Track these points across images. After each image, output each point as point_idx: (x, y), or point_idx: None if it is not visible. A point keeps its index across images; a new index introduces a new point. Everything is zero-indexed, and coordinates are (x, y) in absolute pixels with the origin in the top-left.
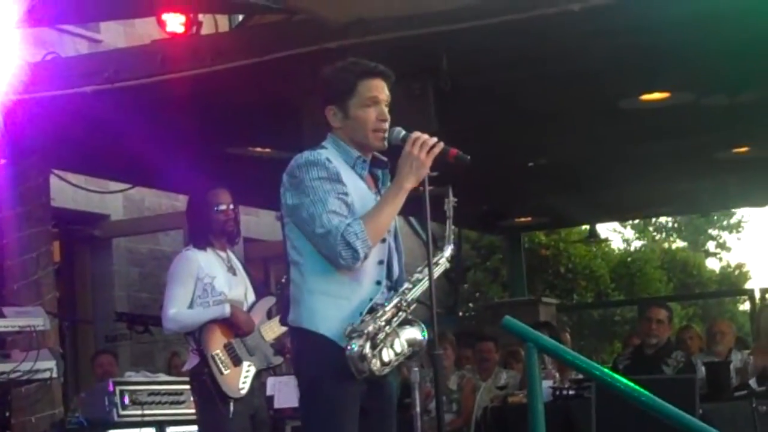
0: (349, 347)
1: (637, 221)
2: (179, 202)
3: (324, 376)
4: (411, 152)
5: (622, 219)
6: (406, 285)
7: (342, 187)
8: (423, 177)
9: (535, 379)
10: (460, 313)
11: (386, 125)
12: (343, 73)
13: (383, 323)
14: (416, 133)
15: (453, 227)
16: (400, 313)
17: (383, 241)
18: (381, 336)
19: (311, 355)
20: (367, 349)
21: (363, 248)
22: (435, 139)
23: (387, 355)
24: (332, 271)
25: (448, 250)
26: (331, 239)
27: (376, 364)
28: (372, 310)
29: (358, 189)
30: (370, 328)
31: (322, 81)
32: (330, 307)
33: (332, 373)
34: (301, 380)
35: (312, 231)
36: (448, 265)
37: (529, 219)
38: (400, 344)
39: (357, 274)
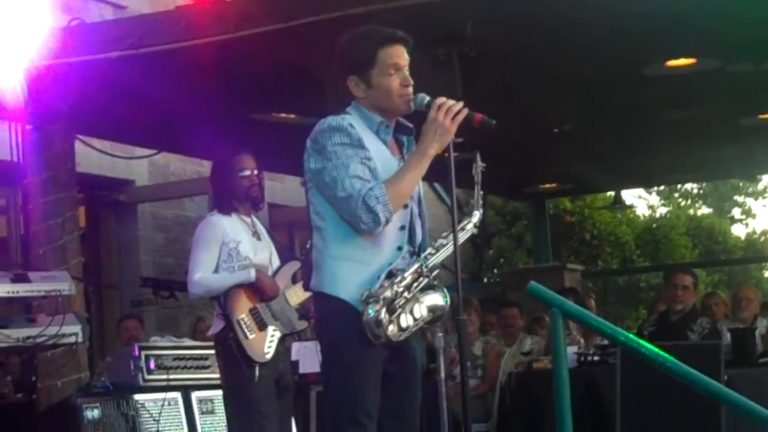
0: (365, 312)
1: (662, 188)
2: (204, 167)
3: (344, 341)
4: (435, 118)
5: (647, 186)
6: (429, 250)
7: (365, 152)
8: (447, 143)
9: (560, 345)
10: (485, 279)
11: (410, 89)
12: (361, 42)
13: (402, 288)
14: (441, 99)
15: (481, 193)
16: (422, 279)
17: (405, 207)
18: (399, 301)
19: (332, 320)
20: (383, 315)
21: (384, 212)
22: (460, 105)
23: (405, 320)
24: (354, 236)
25: (476, 216)
26: (352, 203)
27: (392, 330)
28: (390, 275)
29: (380, 154)
30: (388, 294)
31: (341, 52)
32: (351, 271)
33: (352, 337)
34: (322, 345)
35: (334, 195)
36: (475, 230)
37: (554, 185)
38: (419, 310)
39: (378, 239)
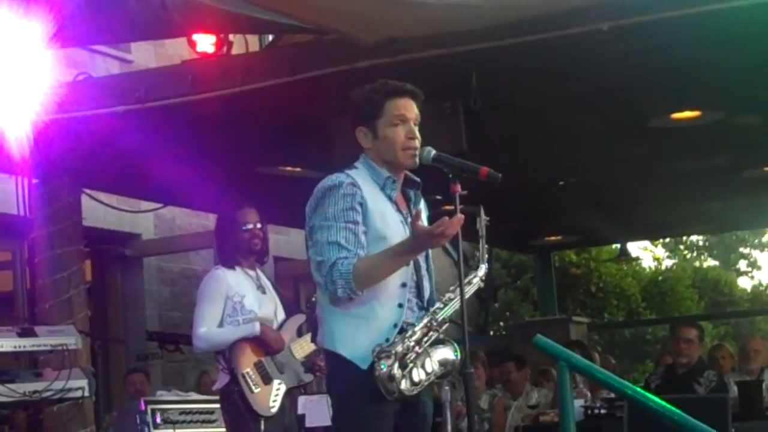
0: (378, 368)
1: (667, 240)
2: (210, 221)
3: (351, 396)
4: (433, 237)
5: (652, 238)
6: (438, 305)
7: (355, 215)
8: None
9: (567, 398)
10: (491, 332)
11: (416, 143)
12: (371, 93)
13: (413, 343)
14: (444, 227)
15: (486, 247)
16: (431, 333)
17: (407, 264)
18: (411, 356)
19: (336, 375)
20: (396, 370)
21: (343, 288)
22: (458, 226)
23: (417, 375)
24: None
25: (482, 270)
26: (322, 268)
27: (405, 384)
28: (401, 331)
29: (382, 211)
30: (399, 349)
31: (352, 103)
32: (349, 327)
33: (358, 392)
34: (332, 400)
35: (314, 256)
36: (481, 284)
37: (560, 238)
38: (431, 364)
39: (377, 296)
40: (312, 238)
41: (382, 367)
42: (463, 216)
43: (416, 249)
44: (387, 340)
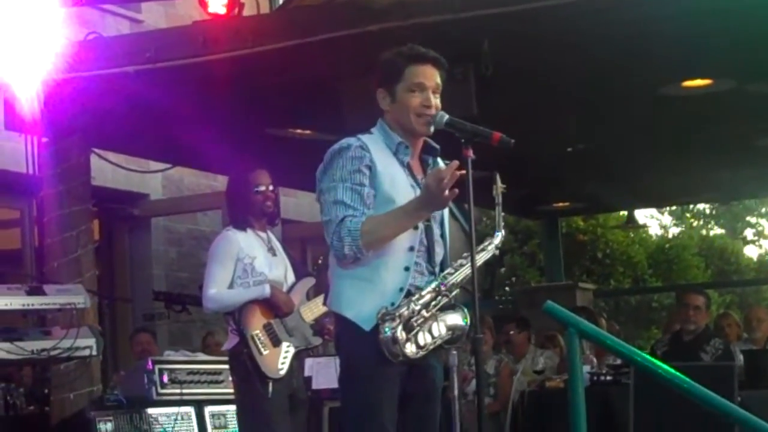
0: (381, 330)
1: (674, 207)
2: (218, 182)
3: (356, 357)
4: (435, 191)
5: (660, 205)
6: (448, 270)
7: (362, 178)
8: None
9: (576, 365)
10: (497, 297)
11: (431, 111)
12: (394, 57)
13: (419, 307)
14: (443, 173)
15: (502, 214)
16: (440, 298)
17: (416, 228)
18: (417, 319)
19: (343, 337)
20: (400, 333)
21: (350, 246)
22: (456, 176)
23: (423, 338)
24: None
25: (498, 237)
26: (329, 227)
27: (410, 348)
28: (408, 294)
29: (392, 175)
30: (404, 312)
31: (377, 65)
32: (354, 290)
33: (363, 354)
34: (340, 360)
35: (322, 217)
36: (496, 252)
37: (567, 204)
38: (438, 328)
39: (384, 259)
40: (320, 201)
41: (386, 330)
42: (457, 162)
43: (424, 205)
44: (392, 303)
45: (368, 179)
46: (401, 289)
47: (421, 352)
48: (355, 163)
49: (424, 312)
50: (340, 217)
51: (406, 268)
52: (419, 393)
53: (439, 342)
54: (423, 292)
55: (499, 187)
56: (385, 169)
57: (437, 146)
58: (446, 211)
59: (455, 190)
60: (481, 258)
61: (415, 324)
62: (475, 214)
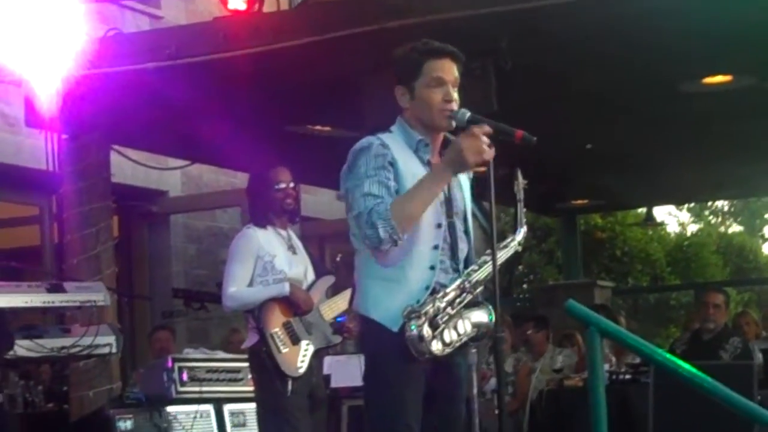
0: (408, 328)
1: (693, 205)
2: (237, 179)
3: (382, 357)
4: (461, 146)
5: (679, 202)
6: (472, 267)
7: (387, 174)
8: (462, 172)
9: (597, 364)
10: (514, 295)
11: (453, 105)
12: (411, 53)
13: (444, 304)
14: (474, 131)
15: (524, 210)
16: (465, 295)
17: (439, 226)
18: (442, 317)
19: (369, 339)
20: (426, 330)
21: (385, 229)
22: (487, 143)
23: (449, 335)
24: (385, 256)
25: (520, 234)
26: (360, 220)
27: (436, 345)
28: (433, 292)
29: (414, 173)
30: (430, 309)
31: (393, 61)
32: (382, 291)
33: (388, 354)
34: (365, 361)
35: (351, 215)
36: (519, 248)
37: (586, 201)
38: (463, 325)
39: (410, 259)
40: (347, 200)
41: (412, 327)
42: (488, 127)
43: (449, 164)
44: (418, 301)
45: (393, 175)
46: (427, 288)
47: (447, 350)
48: (379, 160)
49: (449, 309)
50: (369, 207)
51: (432, 267)
52: (444, 392)
53: (464, 339)
54: (448, 290)
55: (521, 183)
56: (407, 167)
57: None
58: (469, 207)
59: (486, 150)
60: (504, 255)
61: (441, 321)
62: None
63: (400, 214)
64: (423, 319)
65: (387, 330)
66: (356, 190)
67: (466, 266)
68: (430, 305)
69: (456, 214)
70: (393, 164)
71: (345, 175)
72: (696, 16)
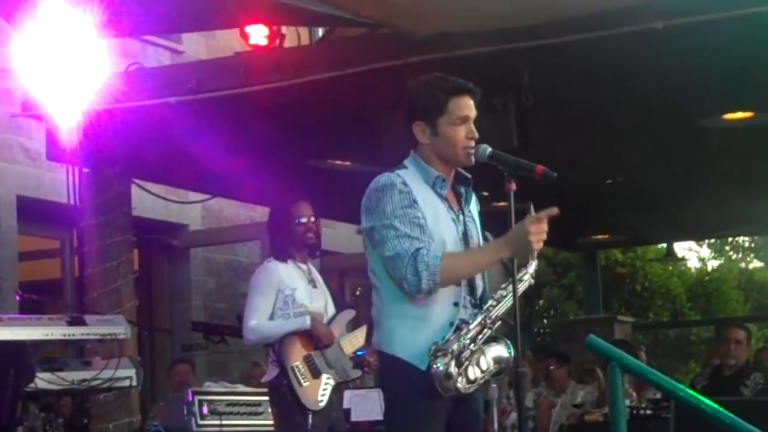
0: (434, 366)
1: (713, 240)
2: (257, 213)
3: (405, 394)
4: (528, 231)
5: (699, 238)
6: (491, 302)
7: (415, 212)
8: (521, 257)
9: (618, 399)
10: (535, 330)
11: (474, 142)
12: (433, 90)
13: (468, 341)
14: (540, 216)
15: None
16: (485, 330)
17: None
18: (466, 354)
19: (392, 377)
20: (453, 368)
21: (428, 281)
22: (545, 229)
23: (473, 372)
24: (410, 296)
25: (532, 266)
26: (398, 262)
27: (462, 382)
28: (457, 329)
29: (435, 209)
30: (455, 347)
31: (411, 97)
32: (406, 329)
33: (413, 391)
34: (385, 397)
35: (383, 254)
36: (532, 281)
37: (606, 236)
38: (485, 361)
39: (434, 296)
40: (374, 239)
41: (438, 365)
42: (555, 209)
43: (509, 246)
44: (443, 338)
45: (420, 214)
46: (451, 324)
47: (473, 387)
48: (405, 198)
49: (472, 346)
50: (412, 251)
51: (456, 303)
52: (463, 426)
53: (488, 376)
54: (470, 326)
55: (532, 216)
56: (427, 205)
57: (469, 176)
58: (481, 241)
59: (543, 237)
60: (519, 289)
61: (465, 358)
62: None
63: (448, 274)
64: (449, 356)
65: (413, 368)
66: (387, 230)
67: (482, 301)
68: (455, 342)
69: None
70: (416, 202)
71: (368, 213)
72: (716, 53)
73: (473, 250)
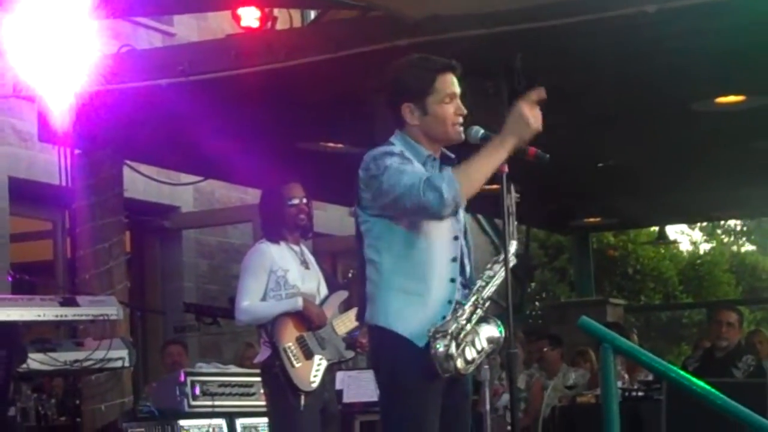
0: (434, 347)
1: (705, 224)
2: (249, 195)
3: (403, 373)
4: (524, 113)
5: (691, 221)
6: (480, 282)
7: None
8: (526, 139)
9: (610, 381)
10: (527, 312)
11: (462, 118)
12: (418, 70)
13: (464, 322)
14: (534, 96)
15: (516, 223)
16: (478, 311)
17: (456, 239)
18: (463, 335)
19: (389, 352)
20: (453, 349)
21: (449, 191)
22: (539, 111)
23: (470, 353)
24: (408, 268)
25: (513, 246)
26: (414, 190)
27: (461, 363)
28: (453, 310)
29: None
30: (453, 328)
31: (396, 79)
32: (404, 303)
33: (411, 369)
34: (379, 376)
35: (395, 196)
36: (514, 260)
37: (598, 219)
38: (480, 342)
39: (431, 272)
40: (379, 194)
41: (439, 346)
42: (543, 91)
43: (512, 132)
44: (443, 317)
45: None
46: (450, 302)
47: (471, 367)
48: (404, 160)
49: (467, 326)
50: (423, 178)
51: (452, 280)
52: (453, 405)
53: (483, 356)
54: (465, 307)
55: (513, 196)
56: None
57: (453, 155)
58: (469, 224)
59: (539, 116)
60: (502, 269)
61: (461, 339)
62: (501, 225)
63: (466, 178)
64: (449, 337)
65: (411, 344)
66: (395, 175)
67: (470, 281)
68: (453, 323)
69: (460, 230)
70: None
71: (368, 180)
72: (708, 36)
73: (478, 153)
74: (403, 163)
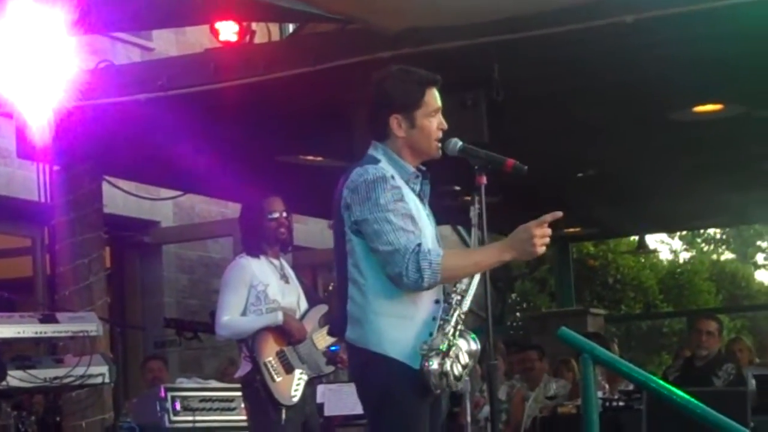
0: (427, 365)
1: (685, 233)
2: (229, 209)
3: (398, 393)
4: (533, 234)
5: (671, 230)
6: (455, 297)
7: (406, 206)
8: (524, 259)
9: (590, 391)
10: (508, 323)
11: (441, 134)
12: (407, 83)
13: (451, 338)
14: (545, 219)
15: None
16: (459, 326)
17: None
18: (452, 351)
19: (379, 374)
20: (448, 366)
21: (429, 279)
22: (549, 233)
23: (457, 368)
24: (394, 291)
25: None
26: (398, 257)
27: (452, 379)
28: (439, 326)
29: (416, 206)
30: (445, 345)
31: (384, 91)
32: (396, 328)
33: (407, 389)
34: (367, 398)
35: (377, 248)
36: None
37: (578, 229)
38: (463, 357)
39: (419, 294)
40: (366, 232)
41: (432, 364)
42: (560, 213)
43: (511, 250)
44: (430, 334)
45: (409, 207)
46: (434, 319)
47: (459, 383)
48: (397, 193)
49: (453, 341)
50: (411, 247)
51: (437, 301)
52: (431, 420)
53: (468, 370)
54: (451, 322)
55: (476, 208)
56: (409, 202)
57: (424, 169)
58: (438, 236)
59: (546, 240)
60: (474, 283)
61: (451, 355)
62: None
63: (449, 272)
64: (441, 354)
65: (407, 367)
66: (383, 223)
67: (446, 295)
68: (444, 340)
69: (433, 242)
70: (403, 197)
71: (357, 205)
72: (687, 46)
73: (475, 249)
74: (393, 197)
